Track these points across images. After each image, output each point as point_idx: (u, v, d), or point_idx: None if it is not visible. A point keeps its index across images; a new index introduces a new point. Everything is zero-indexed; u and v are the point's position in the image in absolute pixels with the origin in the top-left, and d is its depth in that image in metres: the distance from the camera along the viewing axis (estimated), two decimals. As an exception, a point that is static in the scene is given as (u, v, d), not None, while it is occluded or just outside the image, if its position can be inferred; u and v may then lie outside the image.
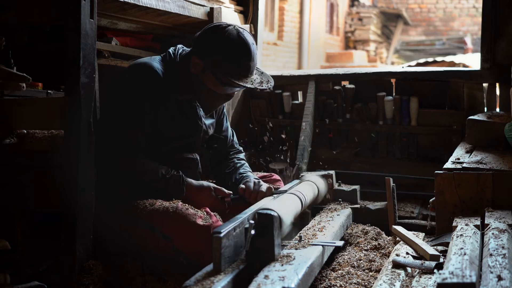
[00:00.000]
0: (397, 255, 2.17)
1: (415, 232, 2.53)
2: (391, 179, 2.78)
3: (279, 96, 3.92)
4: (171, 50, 2.51)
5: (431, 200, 2.65)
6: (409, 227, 2.63)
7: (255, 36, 3.70)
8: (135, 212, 2.28)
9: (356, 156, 3.80)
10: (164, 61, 2.46)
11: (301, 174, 2.94)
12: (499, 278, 1.55)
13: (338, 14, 15.37)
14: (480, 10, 3.59)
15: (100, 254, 2.22)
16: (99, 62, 2.61)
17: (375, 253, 2.39)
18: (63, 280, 2.09)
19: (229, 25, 2.43)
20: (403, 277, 1.96)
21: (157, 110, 2.40)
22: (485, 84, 3.55)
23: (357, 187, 2.98)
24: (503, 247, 1.83)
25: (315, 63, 13.06)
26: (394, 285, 1.87)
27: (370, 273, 2.17)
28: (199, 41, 2.44)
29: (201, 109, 2.55)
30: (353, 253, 2.37)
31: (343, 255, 2.36)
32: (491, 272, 1.61)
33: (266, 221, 1.80)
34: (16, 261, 2.14)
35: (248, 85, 2.41)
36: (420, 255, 2.17)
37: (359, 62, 13.38)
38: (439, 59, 10.65)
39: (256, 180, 2.56)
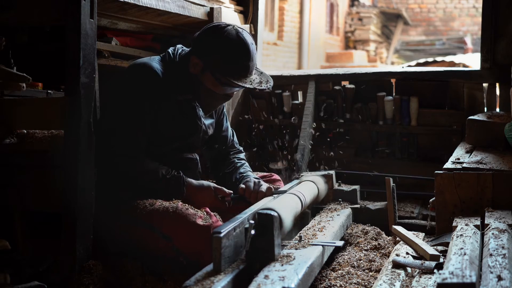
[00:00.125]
0: (397, 255, 2.17)
1: (415, 232, 2.53)
2: (391, 179, 2.78)
3: (279, 96, 3.92)
4: (170, 50, 2.51)
5: (431, 200, 2.65)
6: (409, 227, 2.63)
7: (255, 36, 3.70)
8: (135, 212, 2.28)
9: (356, 156, 3.80)
10: (163, 61, 2.46)
11: (301, 174, 2.94)
12: (499, 278, 1.55)
13: (338, 14, 15.37)
14: (480, 10, 3.60)
15: (100, 254, 2.22)
16: (99, 62, 2.61)
17: (375, 253, 2.38)
18: (63, 280, 2.09)
19: (228, 25, 2.43)
20: (403, 277, 1.96)
21: (157, 110, 2.40)
22: (485, 84, 3.56)
23: (357, 187, 2.97)
24: (503, 247, 1.83)
25: (315, 63, 13.06)
26: (394, 285, 1.86)
27: (370, 273, 2.17)
28: (198, 41, 2.44)
29: (200, 109, 2.55)
30: (353, 253, 2.37)
31: (343, 255, 2.35)
32: (491, 272, 1.60)
33: (266, 221, 1.80)
34: (16, 261, 2.13)
35: (247, 85, 2.41)
36: (420, 255, 2.17)
37: (359, 62, 13.38)
38: (439, 59, 10.66)
39: (256, 180, 2.56)
